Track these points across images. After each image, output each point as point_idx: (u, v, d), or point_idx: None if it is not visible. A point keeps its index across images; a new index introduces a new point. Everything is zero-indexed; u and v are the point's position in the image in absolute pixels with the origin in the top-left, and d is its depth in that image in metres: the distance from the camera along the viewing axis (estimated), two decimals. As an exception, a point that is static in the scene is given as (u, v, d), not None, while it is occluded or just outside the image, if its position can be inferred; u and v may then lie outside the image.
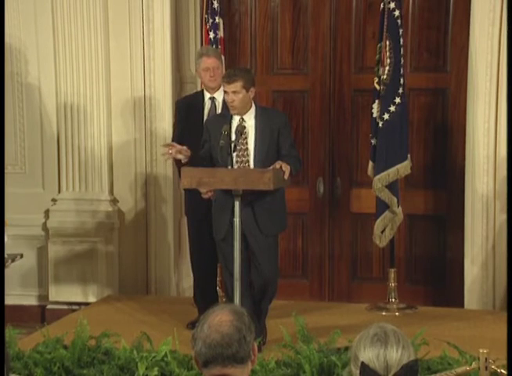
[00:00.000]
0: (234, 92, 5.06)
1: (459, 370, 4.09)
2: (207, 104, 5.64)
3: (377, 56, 6.01)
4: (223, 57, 6.09)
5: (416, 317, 5.92)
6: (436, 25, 6.49)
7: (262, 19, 6.78)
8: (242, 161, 5.11)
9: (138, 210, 6.71)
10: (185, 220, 6.03)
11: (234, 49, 6.79)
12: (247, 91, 5.09)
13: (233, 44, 6.79)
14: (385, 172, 5.94)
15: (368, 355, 2.42)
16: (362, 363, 2.42)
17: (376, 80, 6.01)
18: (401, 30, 5.95)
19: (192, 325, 5.32)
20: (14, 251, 5.71)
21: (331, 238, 6.71)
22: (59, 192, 6.76)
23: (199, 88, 6.14)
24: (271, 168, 4.94)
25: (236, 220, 4.91)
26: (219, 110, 5.57)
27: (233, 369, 2.53)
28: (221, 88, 5.47)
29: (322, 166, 6.69)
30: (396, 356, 2.41)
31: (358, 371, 2.43)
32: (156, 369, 4.63)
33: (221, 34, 6.29)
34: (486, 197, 6.09)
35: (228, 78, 5.09)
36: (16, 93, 6.78)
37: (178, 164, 5.69)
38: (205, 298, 5.63)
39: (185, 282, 6.72)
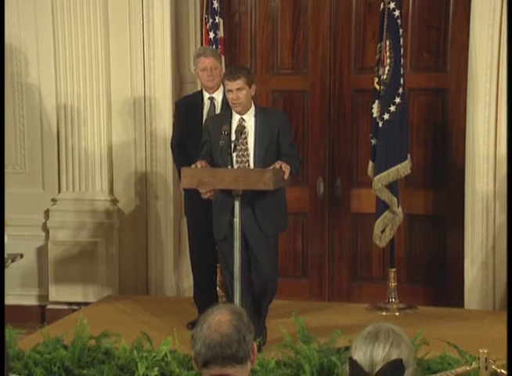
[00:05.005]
0: (238, 89, 5.06)
1: (459, 370, 4.10)
2: (206, 104, 5.64)
3: (377, 56, 6.00)
4: (223, 57, 6.09)
5: (416, 317, 5.92)
6: (436, 25, 6.49)
7: (262, 20, 6.78)
8: (242, 161, 5.10)
9: (138, 210, 6.70)
10: (185, 220, 6.03)
11: (234, 49, 6.79)
12: (249, 87, 5.11)
13: (233, 44, 6.79)
14: (385, 172, 5.94)
15: (358, 352, 2.46)
16: (350, 358, 2.47)
17: (376, 80, 6.00)
18: (401, 30, 5.95)
19: (192, 325, 5.32)
20: (14, 251, 5.72)
21: (331, 238, 6.71)
22: (59, 192, 6.76)
23: (199, 88, 6.14)
24: (271, 167, 4.94)
25: (236, 220, 4.90)
26: (218, 110, 5.57)
27: (233, 369, 2.53)
28: (220, 88, 5.48)
29: (322, 166, 6.69)
30: (382, 353, 2.43)
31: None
32: (156, 369, 4.63)
33: (221, 34, 6.29)
34: (486, 196, 6.09)
35: (232, 75, 5.08)
36: (16, 93, 6.78)
37: (177, 164, 5.69)
38: (205, 298, 5.62)
39: (185, 282, 6.72)
